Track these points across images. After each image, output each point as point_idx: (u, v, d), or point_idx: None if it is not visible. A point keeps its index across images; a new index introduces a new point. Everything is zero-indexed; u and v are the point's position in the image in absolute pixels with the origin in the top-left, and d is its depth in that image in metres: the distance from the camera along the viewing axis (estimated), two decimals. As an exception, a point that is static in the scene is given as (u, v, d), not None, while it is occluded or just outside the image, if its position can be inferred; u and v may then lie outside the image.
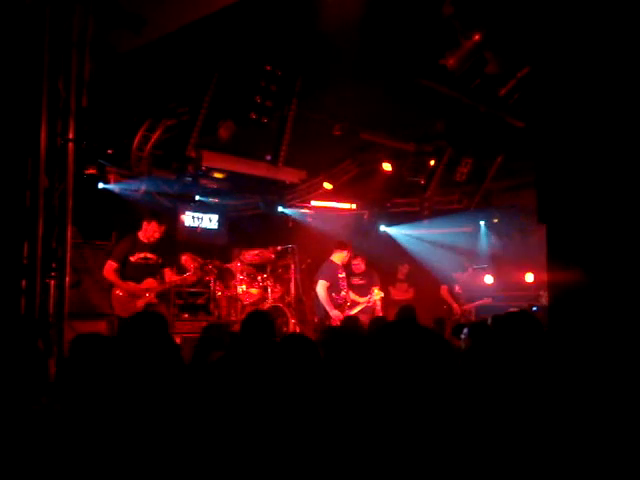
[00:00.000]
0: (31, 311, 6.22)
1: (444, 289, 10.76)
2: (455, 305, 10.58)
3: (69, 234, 6.72)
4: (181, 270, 9.38)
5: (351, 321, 6.90)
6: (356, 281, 9.73)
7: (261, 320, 4.28)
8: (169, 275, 7.62)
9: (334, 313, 8.51)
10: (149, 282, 7.32)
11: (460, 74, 6.84)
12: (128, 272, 7.26)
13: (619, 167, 4.24)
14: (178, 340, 6.87)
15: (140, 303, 7.19)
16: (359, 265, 9.76)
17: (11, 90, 6.02)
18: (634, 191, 4.13)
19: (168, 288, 7.80)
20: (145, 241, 7.42)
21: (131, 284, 7.23)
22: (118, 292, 7.22)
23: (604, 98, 4.28)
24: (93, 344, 4.01)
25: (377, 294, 9.16)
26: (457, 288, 10.69)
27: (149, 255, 7.39)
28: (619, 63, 4.23)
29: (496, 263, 11.65)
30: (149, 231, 7.43)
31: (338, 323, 8.08)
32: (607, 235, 4.30)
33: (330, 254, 9.20)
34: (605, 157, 4.32)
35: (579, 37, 4.42)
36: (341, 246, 9.18)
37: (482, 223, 12.63)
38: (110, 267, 7.23)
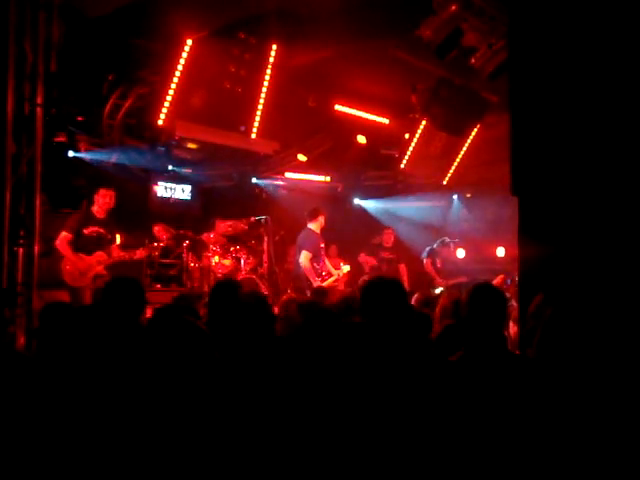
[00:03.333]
0: (-2, 279, 6.12)
1: (428, 262, 10.51)
2: (438, 279, 10.44)
3: (38, 201, 6.61)
4: (153, 241, 9.29)
5: (320, 293, 6.85)
6: (386, 254, 10.19)
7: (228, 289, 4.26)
8: (116, 251, 7.70)
9: (318, 283, 8.41)
10: (99, 255, 7.44)
11: (436, 46, 6.81)
12: (80, 244, 7.36)
13: (594, 141, 4.26)
14: (149, 311, 6.78)
15: (90, 274, 7.33)
16: (389, 238, 10.24)
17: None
18: (609, 164, 4.15)
19: (117, 262, 7.77)
20: (99, 216, 7.53)
21: (83, 255, 7.34)
22: (67, 263, 7.30)
23: (582, 71, 4.28)
24: (63, 313, 3.97)
25: (344, 268, 9.14)
26: (438, 262, 10.63)
27: (101, 230, 7.51)
28: (599, 37, 4.22)
29: (468, 237, 11.69)
30: (102, 200, 7.50)
31: None
32: (580, 209, 4.33)
33: (306, 224, 8.91)
34: (580, 131, 4.33)
35: (557, 7, 4.41)
36: (316, 213, 8.90)
37: (455, 197, 12.68)
38: (64, 239, 7.30)
